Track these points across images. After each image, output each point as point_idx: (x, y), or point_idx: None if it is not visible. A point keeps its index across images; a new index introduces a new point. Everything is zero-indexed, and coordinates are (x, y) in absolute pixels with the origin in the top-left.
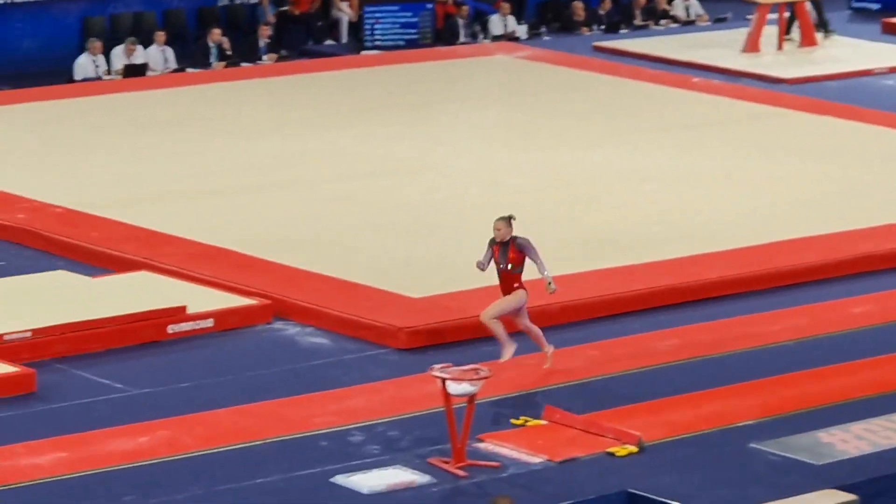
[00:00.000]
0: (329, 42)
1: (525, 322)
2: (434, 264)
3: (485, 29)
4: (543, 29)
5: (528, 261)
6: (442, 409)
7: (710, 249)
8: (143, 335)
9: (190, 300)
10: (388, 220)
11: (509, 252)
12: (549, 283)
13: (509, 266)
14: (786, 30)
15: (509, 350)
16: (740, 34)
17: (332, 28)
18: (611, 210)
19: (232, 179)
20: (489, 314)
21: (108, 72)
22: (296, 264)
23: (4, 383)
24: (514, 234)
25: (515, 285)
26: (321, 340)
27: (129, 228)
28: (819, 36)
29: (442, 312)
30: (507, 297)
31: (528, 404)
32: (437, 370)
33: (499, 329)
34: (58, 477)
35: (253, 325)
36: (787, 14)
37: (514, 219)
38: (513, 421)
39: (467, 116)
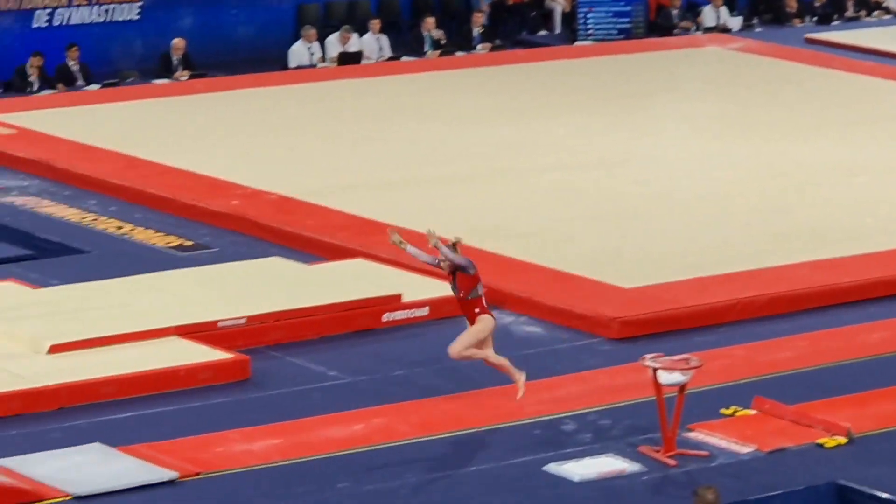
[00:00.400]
0: (542, 32)
1: (488, 352)
2: (646, 255)
3: (697, 20)
4: (755, 20)
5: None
6: (653, 398)
7: None
8: (357, 323)
9: (405, 288)
10: (600, 210)
11: (458, 279)
12: (431, 235)
13: (461, 294)
14: None
15: (519, 377)
16: None
17: (546, 18)
18: (821, 202)
19: (445, 168)
20: (456, 349)
21: (323, 59)
22: (510, 254)
23: (219, 370)
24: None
25: (476, 310)
26: (535, 329)
27: (344, 216)
28: None
29: (653, 303)
30: (473, 327)
31: (737, 394)
32: (648, 360)
33: (478, 354)
34: (271, 464)
35: None
36: None
37: (461, 241)
38: (722, 411)
39: (679, 107)
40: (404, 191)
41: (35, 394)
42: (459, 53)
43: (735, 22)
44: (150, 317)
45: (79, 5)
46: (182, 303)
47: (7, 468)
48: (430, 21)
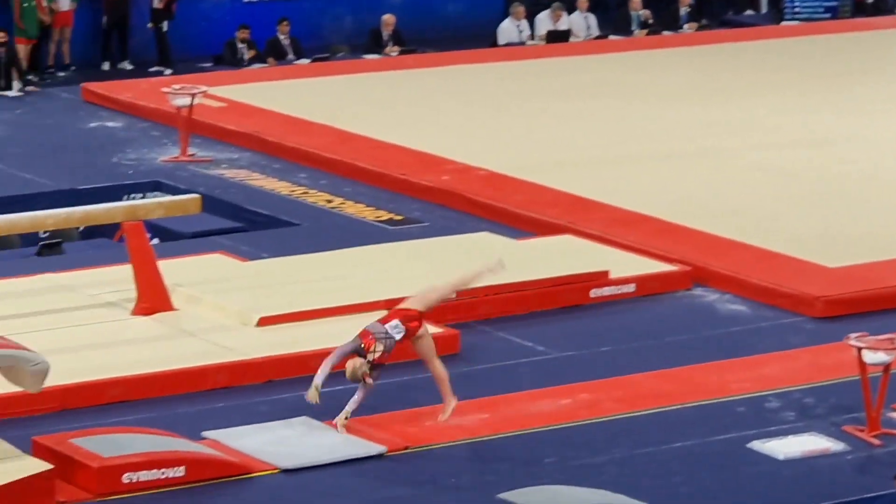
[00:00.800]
0: (749, 12)
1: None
2: (851, 235)
3: None
4: None
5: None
6: (857, 377)
7: None
8: (565, 299)
9: (612, 265)
10: (804, 190)
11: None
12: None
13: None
14: None
15: (450, 401)
16: None
17: None
18: None
19: (652, 146)
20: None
21: (532, 37)
22: (715, 232)
23: None
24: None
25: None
26: (739, 307)
27: (553, 193)
28: None
29: (859, 282)
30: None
31: None
32: (853, 339)
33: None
34: (479, 438)
35: (673, 291)
36: None
37: (366, 353)
38: None
39: (885, 88)
40: (611, 168)
41: (243, 366)
42: (666, 33)
43: None
44: (360, 290)
45: None
46: (392, 277)
47: (215, 441)
48: (637, 1)
